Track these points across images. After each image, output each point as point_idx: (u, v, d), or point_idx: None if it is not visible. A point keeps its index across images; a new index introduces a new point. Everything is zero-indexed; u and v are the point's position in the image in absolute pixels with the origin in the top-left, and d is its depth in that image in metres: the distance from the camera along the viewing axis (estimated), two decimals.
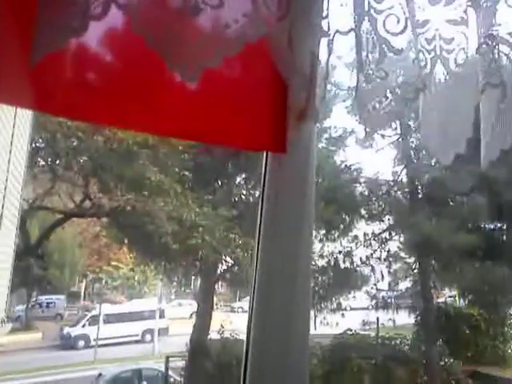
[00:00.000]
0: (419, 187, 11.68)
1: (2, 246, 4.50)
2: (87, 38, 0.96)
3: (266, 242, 1.18)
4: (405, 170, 11.68)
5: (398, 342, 12.27)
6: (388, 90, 1.36)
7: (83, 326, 19.33)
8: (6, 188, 4.12)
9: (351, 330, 12.21)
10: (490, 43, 1.31)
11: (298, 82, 1.18)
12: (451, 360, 11.53)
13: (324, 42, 1.25)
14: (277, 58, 1.16)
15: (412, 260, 12.29)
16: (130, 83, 1.05)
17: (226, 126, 1.19)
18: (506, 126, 1.36)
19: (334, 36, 1.27)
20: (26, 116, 5.03)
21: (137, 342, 19.30)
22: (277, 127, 1.20)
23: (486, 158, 1.36)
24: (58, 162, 10.53)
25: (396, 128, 11.26)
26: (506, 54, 1.33)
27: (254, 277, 1.19)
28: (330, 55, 1.28)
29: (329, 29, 1.24)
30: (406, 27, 1.27)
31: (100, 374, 13.88)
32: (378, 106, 1.35)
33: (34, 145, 8.33)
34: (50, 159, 10.61)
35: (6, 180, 4.07)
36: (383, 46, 1.25)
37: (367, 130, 1.43)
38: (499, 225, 11.41)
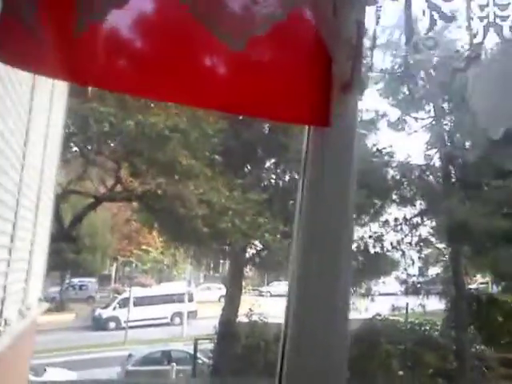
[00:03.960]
0: (452, 171, 11.43)
1: (40, 228, 4.62)
2: (117, 23, 0.97)
3: (308, 223, 1.14)
4: (438, 154, 11.43)
5: (427, 327, 12.14)
6: (437, 61, 1.30)
7: (114, 308, 19.74)
8: (42, 172, 4.20)
9: (380, 315, 12.13)
10: None
11: (343, 52, 1.13)
12: (483, 347, 11.35)
13: (370, 9, 1.20)
14: (322, 28, 1.12)
15: (443, 245, 12.10)
16: (158, 62, 1.03)
17: (266, 99, 1.16)
18: None
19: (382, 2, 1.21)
20: (61, 101, 5.10)
21: (166, 324, 19.59)
22: (320, 101, 1.15)
23: None
24: (89, 147, 10.67)
25: (429, 110, 10.97)
26: None
27: (294, 259, 1.16)
28: (377, 23, 1.23)
29: None
30: None
31: (130, 355, 14.20)
32: (426, 77, 1.29)
33: (66, 130, 8.46)
34: (82, 144, 10.76)
35: (42, 163, 4.16)
36: (433, 12, 1.19)
37: (416, 102, 1.37)
38: None
